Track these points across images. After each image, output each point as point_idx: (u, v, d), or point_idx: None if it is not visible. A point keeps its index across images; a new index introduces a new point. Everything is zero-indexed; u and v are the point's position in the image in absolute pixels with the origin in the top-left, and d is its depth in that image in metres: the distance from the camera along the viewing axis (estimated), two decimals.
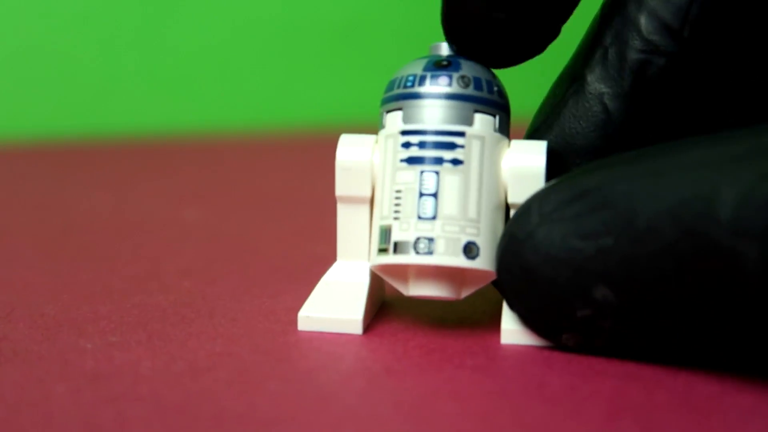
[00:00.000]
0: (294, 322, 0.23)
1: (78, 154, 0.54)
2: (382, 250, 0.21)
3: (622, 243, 0.19)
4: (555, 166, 0.22)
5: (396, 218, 0.21)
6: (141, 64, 0.61)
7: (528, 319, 0.21)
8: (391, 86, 0.22)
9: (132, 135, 0.59)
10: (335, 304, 0.22)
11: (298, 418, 0.18)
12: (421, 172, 0.21)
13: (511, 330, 0.21)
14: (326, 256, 0.25)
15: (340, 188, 0.23)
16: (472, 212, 0.21)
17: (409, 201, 0.21)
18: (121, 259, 0.30)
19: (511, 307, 0.21)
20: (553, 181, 0.20)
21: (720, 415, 0.18)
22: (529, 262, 0.20)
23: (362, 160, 0.22)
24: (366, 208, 0.23)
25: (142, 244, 0.32)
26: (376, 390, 0.19)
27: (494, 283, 0.21)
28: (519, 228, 0.20)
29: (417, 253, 0.21)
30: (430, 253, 0.21)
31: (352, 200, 0.23)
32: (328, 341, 0.22)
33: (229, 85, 0.63)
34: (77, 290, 0.26)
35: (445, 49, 0.23)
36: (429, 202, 0.21)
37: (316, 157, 0.50)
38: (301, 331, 0.22)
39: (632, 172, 0.19)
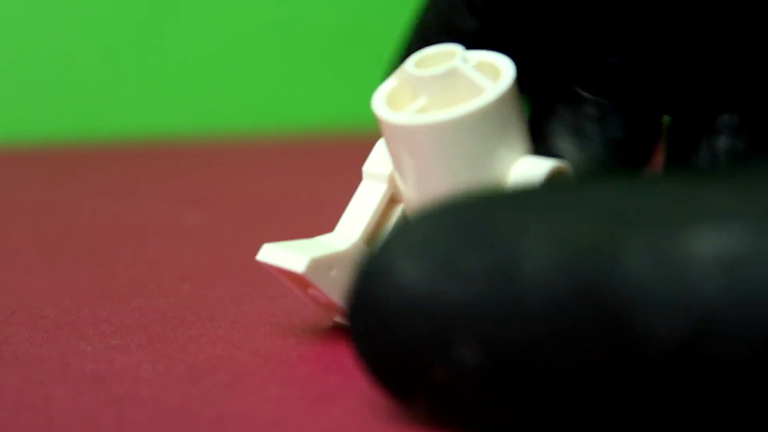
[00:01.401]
0: (295, 325, 0.23)
1: (78, 157, 0.54)
2: None
3: (498, 292, 0.15)
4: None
5: None
6: (141, 68, 0.61)
7: (376, 373, 0.17)
8: None
9: (132, 138, 0.59)
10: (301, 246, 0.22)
11: (297, 422, 0.18)
12: None
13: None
14: None
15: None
16: None
17: None
18: (121, 263, 0.30)
19: (359, 356, 0.17)
20: (426, 208, 0.17)
21: None
22: (383, 303, 0.16)
23: None
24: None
25: (142, 247, 0.32)
26: (376, 392, 0.19)
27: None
28: (378, 259, 0.16)
29: None
30: None
31: None
32: (327, 343, 0.22)
33: (229, 88, 0.63)
34: (77, 293, 0.26)
35: None
36: None
37: (317, 161, 0.50)
38: (301, 334, 0.22)
39: (521, 206, 0.16)
